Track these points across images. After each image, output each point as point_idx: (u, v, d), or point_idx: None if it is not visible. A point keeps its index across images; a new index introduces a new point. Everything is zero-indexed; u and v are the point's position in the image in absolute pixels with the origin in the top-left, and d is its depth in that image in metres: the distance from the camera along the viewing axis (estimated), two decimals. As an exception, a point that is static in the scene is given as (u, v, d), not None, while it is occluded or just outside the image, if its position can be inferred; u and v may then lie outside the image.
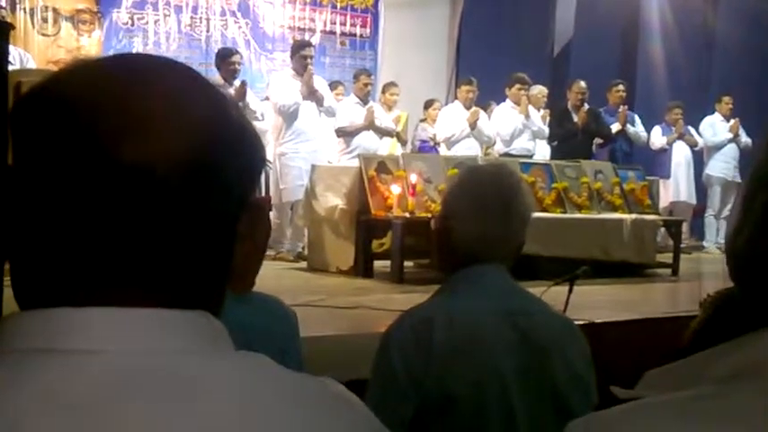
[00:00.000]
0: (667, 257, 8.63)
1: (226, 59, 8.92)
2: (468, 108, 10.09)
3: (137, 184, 0.75)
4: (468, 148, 9.80)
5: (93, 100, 0.76)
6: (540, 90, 10.92)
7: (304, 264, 8.18)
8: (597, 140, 10.52)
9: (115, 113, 0.75)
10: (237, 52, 9.38)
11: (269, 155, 9.22)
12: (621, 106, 11.04)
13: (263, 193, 9.27)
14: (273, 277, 7.04)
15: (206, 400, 0.73)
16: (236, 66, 8.95)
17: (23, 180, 0.77)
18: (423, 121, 11.41)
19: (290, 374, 0.81)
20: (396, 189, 7.26)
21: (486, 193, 2.22)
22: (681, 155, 11.54)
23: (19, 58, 8.56)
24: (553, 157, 10.07)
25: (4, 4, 10.00)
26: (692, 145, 11.58)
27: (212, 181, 0.79)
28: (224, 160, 0.80)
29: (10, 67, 5.17)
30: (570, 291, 3.69)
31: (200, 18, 11.87)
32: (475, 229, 2.18)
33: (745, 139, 11.49)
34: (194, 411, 0.72)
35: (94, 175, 0.74)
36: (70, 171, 0.75)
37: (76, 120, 0.75)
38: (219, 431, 0.72)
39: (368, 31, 13.22)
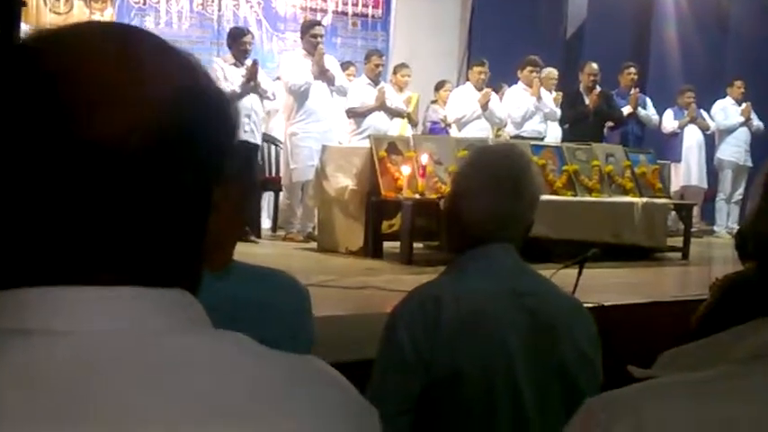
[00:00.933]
0: (678, 241, 8.63)
1: (238, 39, 8.91)
2: (479, 90, 10.06)
3: (103, 159, 0.72)
4: (480, 130, 9.78)
5: (58, 69, 0.73)
6: (549, 72, 10.87)
7: (314, 244, 8.19)
8: (609, 123, 10.49)
9: (81, 84, 0.73)
10: (249, 32, 9.37)
11: (280, 135, 9.23)
12: (633, 89, 11.00)
13: (274, 173, 9.29)
14: (283, 257, 7.07)
15: (183, 377, 0.72)
16: (248, 46, 8.94)
17: None
18: (434, 102, 11.39)
19: (270, 352, 0.79)
20: (406, 170, 7.26)
21: (497, 172, 2.22)
22: (692, 138, 11.50)
23: (31, 35, 8.57)
24: (564, 139, 10.05)
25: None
26: (704, 129, 11.54)
27: (183, 154, 0.76)
28: (196, 132, 0.77)
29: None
30: (580, 273, 3.69)
31: (212, -3, 11.84)
32: (484, 208, 2.19)
33: (756, 123, 11.45)
34: (171, 389, 0.71)
35: (58, 149, 0.71)
36: (33, 144, 0.71)
37: (39, 89, 0.72)
38: (197, 407, 0.71)
39: (380, 11, 13.18)
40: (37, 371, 0.69)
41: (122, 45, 0.77)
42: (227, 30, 10.06)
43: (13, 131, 0.72)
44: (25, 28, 7.86)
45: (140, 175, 0.73)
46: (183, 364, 0.72)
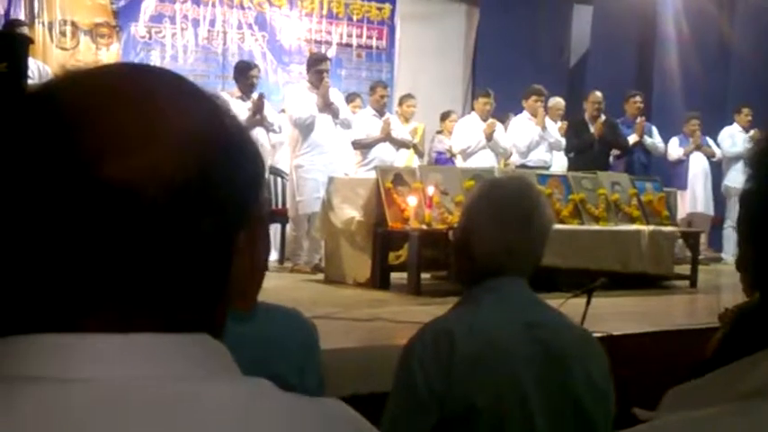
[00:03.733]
0: (685, 269, 8.59)
1: (245, 73, 8.96)
2: (484, 120, 10.08)
3: (120, 204, 0.70)
4: (485, 160, 9.79)
5: (82, 111, 0.73)
6: (556, 102, 10.92)
7: (321, 276, 8.18)
8: (614, 152, 10.50)
9: (99, 130, 0.72)
10: (256, 66, 9.43)
11: (286, 167, 9.26)
12: (639, 117, 11.02)
13: (280, 206, 9.30)
14: (290, 289, 7.05)
15: (197, 427, 0.70)
16: (255, 80, 9.00)
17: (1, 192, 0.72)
18: (439, 132, 11.42)
19: (289, 398, 0.77)
20: (412, 201, 7.26)
21: (508, 205, 2.22)
22: (698, 166, 11.50)
23: (38, 71, 8.64)
24: (570, 168, 10.05)
25: (23, 18, 10.08)
26: (710, 156, 11.54)
27: (205, 199, 0.74)
28: (218, 177, 0.75)
29: (29, 81, 5.23)
30: (588, 303, 3.68)
31: (218, 31, 11.92)
32: (495, 241, 2.19)
33: (764, 149, 11.43)
34: None
35: (76, 196, 0.70)
36: (51, 191, 0.70)
37: (58, 136, 0.71)
38: None
39: (384, 43, 13.25)
40: (52, 419, 0.68)
41: (143, 89, 0.76)
42: (233, 63, 10.14)
43: (33, 178, 0.71)
44: (33, 64, 7.92)
45: (160, 221, 0.72)
46: (201, 412, 0.71)
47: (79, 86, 0.76)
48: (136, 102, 0.75)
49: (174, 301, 0.75)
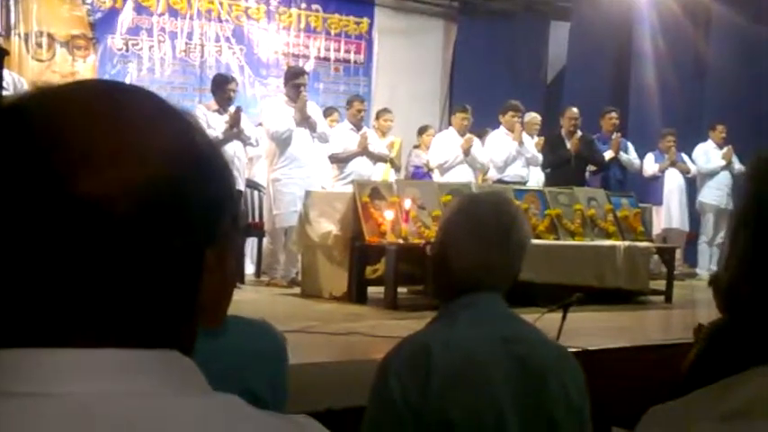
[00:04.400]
0: (660, 284, 8.64)
1: (222, 86, 8.93)
2: (462, 135, 10.11)
3: (92, 219, 0.71)
4: (462, 175, 9.81)
5: (56, 127, 0.73)
6: (532, 117, 10.97)
7: (298, 290, 8.15)
8: (590, 167, 10.56)
9: (74, 142, 0.72)
10: (234, 79, 9.40)
11: (263, 180, 9.24)
12: (615, 133, 11.10)
13: (257, 219, 9.29)
14: (267, 303, 7.04)
15: None
16: (232, 93, 8.96)
17: None
18: (416, 147, 11.44)
19: (259, 414, 0.78)
20: (389, 215, 7.26)
21: (486, 221, 2.22)
22: (673, 182, 11.58)
23: (13, 83, 8.59)
24: (547, 183, 10.11)
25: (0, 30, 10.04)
26: (685, 172, 11.62)
27: (175, 215, 0.75)
28: (189, 193, 0.76)
29: (4, 93, 5.20)
30: (564, 318, 3.69)
31: (195, 44, 11.92)
32: (473, 256, 2.18)
33: (738, 166, 11.51)
34: None
35: (48, 210, 0.70)
36: (22, 205, 0.71)
37: (34, 146, 0.72)
38: None
39: (362, 57, 13.28)
40: None
41: (116, 106, 0.77)
42: (210, 76, 10.12)
43: (8, 194, 0.71)
44: (8, 76, 7.88)
45: (130, 237, 0.72)
46: (164, 428, 0.71)
47: (52, 103, 0.76)
48: (108, 118, 0.75)
49: (145, 316, 0.75)
